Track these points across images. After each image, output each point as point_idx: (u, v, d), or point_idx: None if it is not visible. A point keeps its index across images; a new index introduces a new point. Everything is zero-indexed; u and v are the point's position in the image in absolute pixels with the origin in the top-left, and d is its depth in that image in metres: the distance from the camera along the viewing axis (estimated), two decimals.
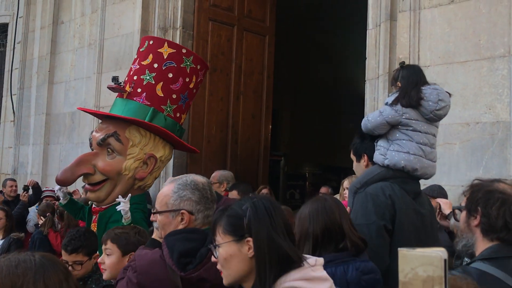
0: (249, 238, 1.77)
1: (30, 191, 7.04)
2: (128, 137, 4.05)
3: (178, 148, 4.61)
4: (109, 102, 6.75)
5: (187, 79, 4.26)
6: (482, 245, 2.05)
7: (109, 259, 2.99)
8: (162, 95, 4.19)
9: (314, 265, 1.73)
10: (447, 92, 3.20)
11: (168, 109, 4.20)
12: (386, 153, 3.04)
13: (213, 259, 1.91)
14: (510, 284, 1.89)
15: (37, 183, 7.32)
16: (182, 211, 2.38)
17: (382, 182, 3.02)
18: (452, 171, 4.43)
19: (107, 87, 4.47)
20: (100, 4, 7.80)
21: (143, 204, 4.13)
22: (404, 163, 2.99)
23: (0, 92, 10.62)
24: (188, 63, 4.25)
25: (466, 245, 2.10)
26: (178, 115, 4.28)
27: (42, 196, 6.83)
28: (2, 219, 6.05)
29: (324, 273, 1.75)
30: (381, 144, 3.11)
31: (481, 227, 2.05)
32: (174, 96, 4.22)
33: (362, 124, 3.19)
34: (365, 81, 5.20)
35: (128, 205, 3.77)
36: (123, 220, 3.76)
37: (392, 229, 2.90)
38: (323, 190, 7.69)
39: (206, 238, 2.24)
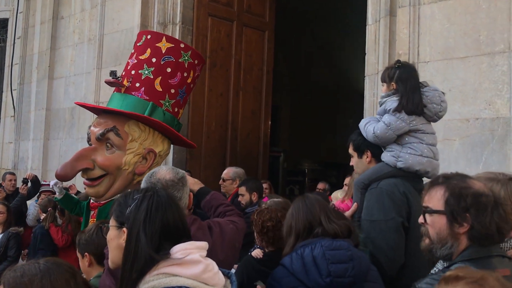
0: (125, 229, 1.81)
1: (29, 184, 7.05)
2: (127, 132, 4.02)
3: (176, 143, 4.61)
4: (109, 97, 6.74)
5: (185, 74, 4.23)
6: (462, 247, 1.95)
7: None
8: (161, 90, 4.16)
9: (185, 249, 1.75)
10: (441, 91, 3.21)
11: (167, 103, 4.17)
12: (399, 155, 3.02)
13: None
14: None
15: (36, 176, 7.33)
16: None
17: (394, 179, 3.00)
18: (452, 167, 4.42)
19: (105, 82, 4.46)
20: None
21: None
22: (419, 167, 2.99)
23: (0, 87, 10.64)
24: (186, 58, 4.23)
25: (448, 254, 1.96)
26: (176, 110, 4.25)
27: (40, 191, 6.85)
28: (3, 213, 6.10)
29: (196, 256, 1.75)
30: (392, 147, 3.08)
31: (470, 234, 1.92)
32: (172, 91, 4.19)
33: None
34: (364, 77, 5.20)
35: None
36: None
37: (408, 226, 2.88)
38: (321, 186, 7.77)
39: None
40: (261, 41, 7.63)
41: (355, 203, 3.14)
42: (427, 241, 2.02)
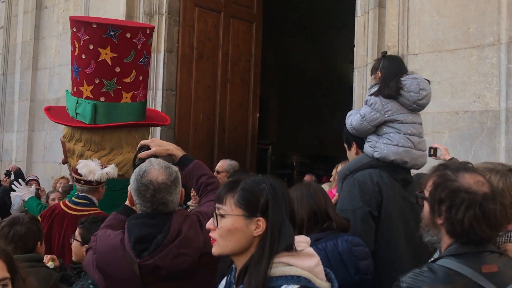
0: (260, 218, 1.78)
1: (12, 177, 6.93)
2: None
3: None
4: None
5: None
6: (447, 240, 1.91)
7: None
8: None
9: (300, 242, 1.78)
10: (426, 79, 3.19)
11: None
12: (375, 145, 3.05)
13: (208, 225, 1.90)
14: (478, 282, 1.76)
15: (19, 168, 7.22)
16: None
17: (371, 169, 3.03)
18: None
19: None
20: None
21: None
22: (394, 157, 3.00)
23: None
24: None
25: (430, 240, 1.97)
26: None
27: (26, 180, 6.73)
28: None
29: (311, 250, 1.80)
30: (370, 137, 3.12)
31: (445, 227, 1.89)
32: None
33: (348, 129, 3.20)
34: (353, 69, 5.17)
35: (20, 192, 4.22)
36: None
37: (378, 215, 2.91)
38: (307, 178, 7.74)
39: (166, 223, 2.27)
40: (249, 32, 7.56)
41: (337, 193, 3.18)
42: (422, 222, 2.03)
